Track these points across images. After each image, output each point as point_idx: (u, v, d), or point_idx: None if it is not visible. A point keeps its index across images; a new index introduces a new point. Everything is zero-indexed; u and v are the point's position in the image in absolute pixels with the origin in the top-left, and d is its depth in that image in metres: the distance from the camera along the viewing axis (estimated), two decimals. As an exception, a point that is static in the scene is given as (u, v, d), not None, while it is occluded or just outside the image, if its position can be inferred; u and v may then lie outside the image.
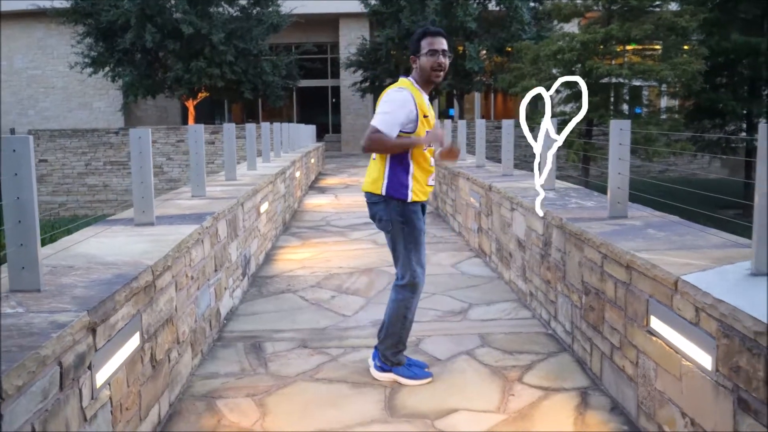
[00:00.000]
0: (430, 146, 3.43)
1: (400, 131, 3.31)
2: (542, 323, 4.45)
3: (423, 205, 3.52)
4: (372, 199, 3.48)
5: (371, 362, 3.61)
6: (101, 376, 2.31)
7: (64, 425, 2.03)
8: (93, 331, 2.26)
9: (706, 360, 2.35)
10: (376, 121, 3.28)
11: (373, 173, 3.44)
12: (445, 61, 3.36)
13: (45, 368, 1.91)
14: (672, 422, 2.65)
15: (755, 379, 2.06)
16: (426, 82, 3.41)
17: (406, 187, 3.38)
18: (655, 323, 2.75)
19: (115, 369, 2.45)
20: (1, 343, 1.90)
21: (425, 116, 3.37)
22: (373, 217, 3.51)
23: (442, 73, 3.37)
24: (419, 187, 3.41)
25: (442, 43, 3.35)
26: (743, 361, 2.12)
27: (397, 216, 3.39)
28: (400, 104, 3.29)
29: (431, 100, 3.68)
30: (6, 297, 2.37)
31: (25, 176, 2.41)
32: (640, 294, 2.89)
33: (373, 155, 3.44)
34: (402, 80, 3.45)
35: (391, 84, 3.56)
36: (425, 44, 3.33)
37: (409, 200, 3.38)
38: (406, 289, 3.42)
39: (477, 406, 3.22)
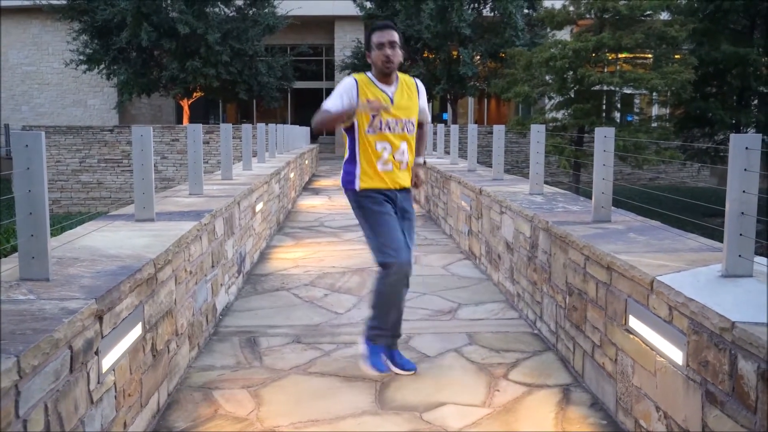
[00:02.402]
0: (379, 131, 3.48)
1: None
2: (528, 323, 4.59)
3: (390, 193, 3.55)
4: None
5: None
6: (107, 362, 2.44)
7: (74, 406, 2.15)
8: (100, 318, 2.38)
9: (677, 355, 2.50)
10: (323, 105, 3.47)
11: None
12: (393, 53, 3.42)
13: (57, 351, 2.03)
14: (647, 416, 2.80)
15: (721, 373, 2.21)
16: (381, 74, 3.50)
17: (353, 175, 3.53)
18: (633, 322, 2.90)
19: (120, 356, 2.58)
20: (11, 327, 2.02)
21: (368, 100, 3.38)
22: None
23: (391, 65, 3.44)
24: (368, 174, 3.51)
25: (389, 35, 3.43)
26: (711, 356, 2.27)
27: (354, 204, 3.58)
28: (339, 92, 3.46)
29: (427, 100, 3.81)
30: (17, 285, 2.49)
31: (36, 170, 2.54)
32: (620, 294, 3.04)
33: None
34: (359, 73, 3.62)
35: None
36: (374, 39, 3.46)
37: (357, 189, 3.53)
38: (381, 269, 3.49)
39: (463, 400, 3.35)
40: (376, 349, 3.61)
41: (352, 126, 3.50)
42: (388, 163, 3.52)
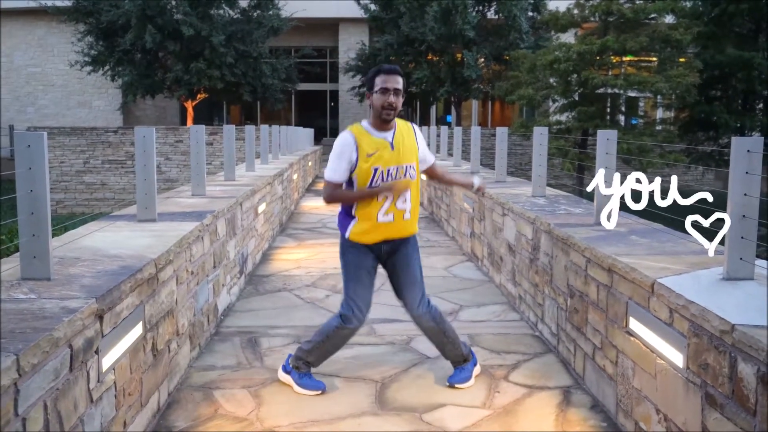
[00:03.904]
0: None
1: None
2: (530, 325, 4.58)
3: (377, 247, 3.36)
4: None
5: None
6: (107, 361, 2.45)
7: (73, 405, 2.16)
8: (100, 318, 2.39)
9: (678, 358, 2.50)
10: (326, 174, 3.33)
11: None
12: (396, 101, 3.22)
13: (57, 349, 2.04)
14: (647, 419, 2.79)
15: (721, 375, 2.20)
16: (378, 119, 3.26)
17: (346, 226, 3.35)
18: (634, 324, 2.90)
19: (120, 355, 2.58)
20: (11, 326, 2.03)
21: (369, 155, 3.23)
22: None
23: (392, 112, 3.23)
24: (361, 228, 3.31)
25: (396, 82, 3.22)
26: (711, 359, 2.27)
27: (340, 247, 3.43)
28: (338, 153, 3.25)
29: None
30: (18, 284, 2.50)
31: (38, 170, 2.54)
32: (620, 296, 3.04)
33: None
34: (353, 124, 3.40)
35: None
36: (378, 81, 3.22)
37: (346, 235, 3.36)
38: (339, 317, 3.38)
39: (464, 401, 3.36)
40: (298, 374, 3.51)
41: (351, 180, 3.29)
42: (389, 213, 3.28)
